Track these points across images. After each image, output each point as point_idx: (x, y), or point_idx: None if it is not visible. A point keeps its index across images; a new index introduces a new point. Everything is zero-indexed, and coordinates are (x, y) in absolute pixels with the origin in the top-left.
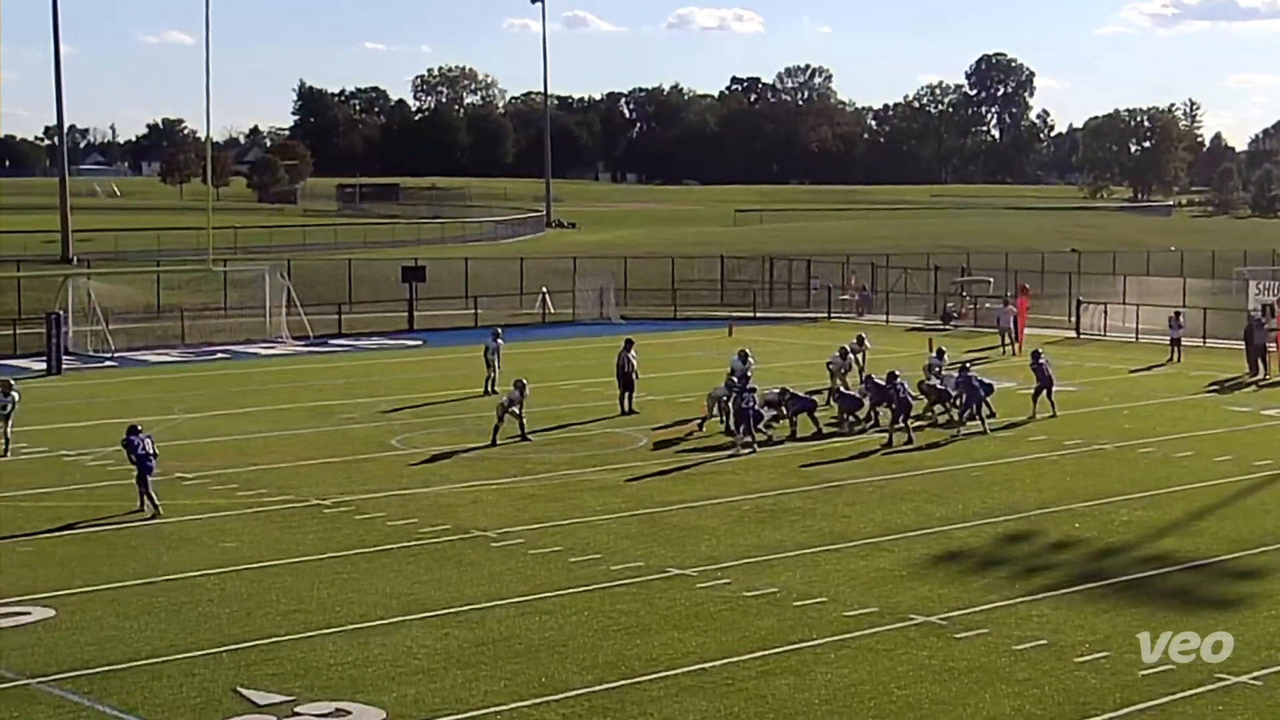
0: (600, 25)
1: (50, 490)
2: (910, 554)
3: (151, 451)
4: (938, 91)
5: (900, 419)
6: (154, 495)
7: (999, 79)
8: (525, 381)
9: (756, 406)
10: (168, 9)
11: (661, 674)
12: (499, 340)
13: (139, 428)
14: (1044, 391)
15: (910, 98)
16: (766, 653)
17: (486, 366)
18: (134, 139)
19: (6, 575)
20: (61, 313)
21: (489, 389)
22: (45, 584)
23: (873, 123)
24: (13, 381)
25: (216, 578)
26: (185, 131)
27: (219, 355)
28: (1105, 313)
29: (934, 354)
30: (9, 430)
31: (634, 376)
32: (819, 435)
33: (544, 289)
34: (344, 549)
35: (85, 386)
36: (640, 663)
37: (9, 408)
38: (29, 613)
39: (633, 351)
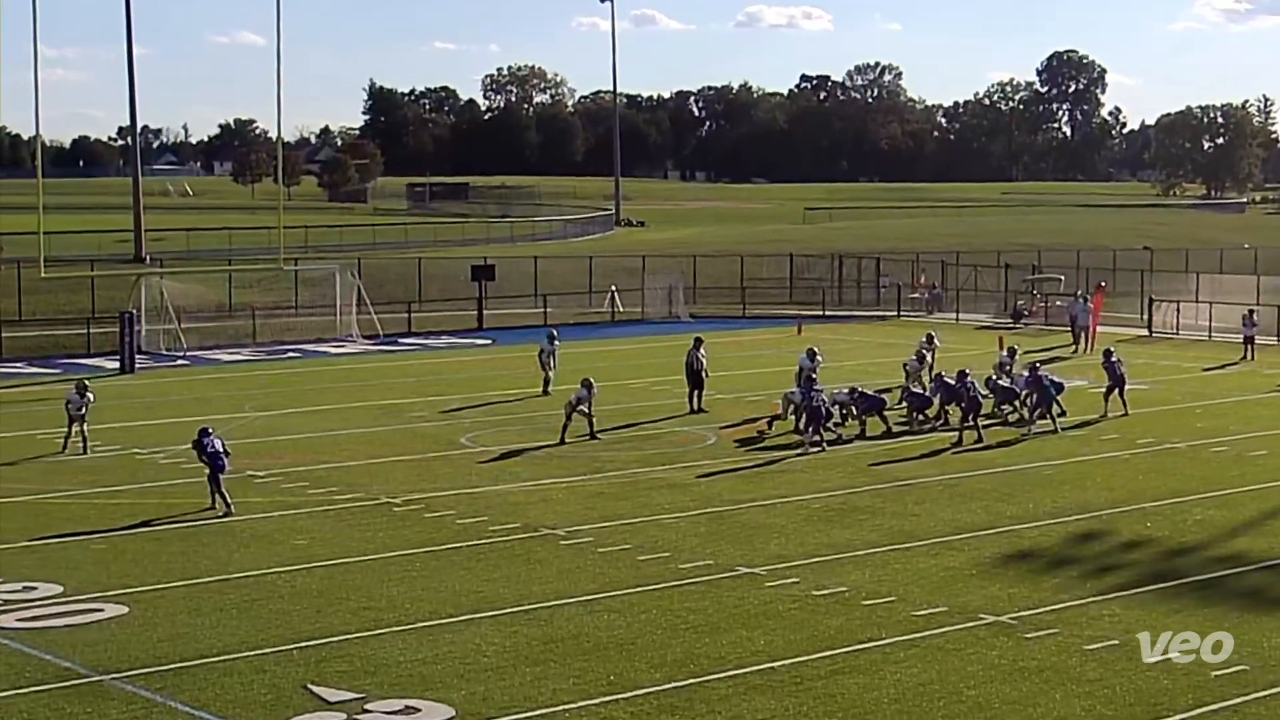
0: (669, 23)
1: (123, 488)
2: (980, 553)
3: (222, 450)
4: (1008, 88)
5: (970, 417)
6: (226, 494)
7: (1070, 76)
8: (593, 380)
9: (826, 404)
10: (238, 9)
11: (730, 673)
12: (555, 343)
13: (209, 430)
14: (1115, 390)
15: (980, 95)
16: (835, 652)
17: (541, 368)
18: (206, 139)
19: (81, 572)
20: (134, 311)
21: (546, 390)
22: (118, 581)
23: (943, 120)
24: (88, 383)
25: (287, 575)
26: (256, 131)
27: (290, 354)
28: (1178, 311)
29: (1005, 352)
30: (86, 429)
31: (703, 375)
32: (888, 434)
33: (613, 287)
34: (413, 547)
35: (158, 385)
36: (709, 661)
37: (84, 409)
38: (102, 609)
39: (702, 350)
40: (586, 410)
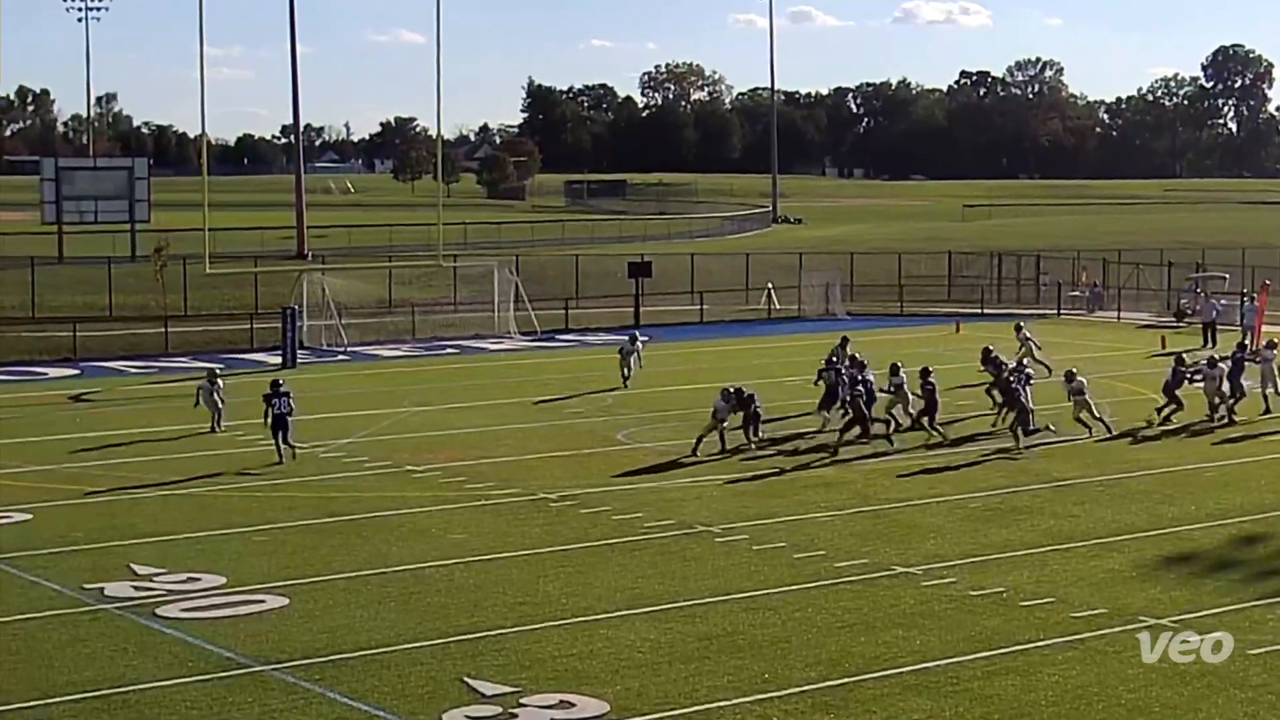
0: (826, 20)
1: (284, 481)
2: (1140, 555)
3: (286, 411)
4: (1172, 84)
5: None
6: (281, 447)
7: (1236, 71)
8: (754, 393)
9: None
10: (398, 9)
11: (885, 672)
12: (637, 344)
13: (280, 383)
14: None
15: (1143, 90)
16: (992, 653)
17: (621, 365)
18: (367, 137)
19: (243, 564)
20: (296, 307)
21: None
22: (279, 573)
23: (1104, 116)
24: (218, 371)
25: (445, 569)
26: (416, 129)
27: (448, 350)
28: None
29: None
30: (219, 408)
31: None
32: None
33: (770, 284)
34: (569, 543)
35: (319, 380)
36: (863, 660)
37: (214, 394)
38: (263, 600)
39: (849, 348)
40: (722, 422)
